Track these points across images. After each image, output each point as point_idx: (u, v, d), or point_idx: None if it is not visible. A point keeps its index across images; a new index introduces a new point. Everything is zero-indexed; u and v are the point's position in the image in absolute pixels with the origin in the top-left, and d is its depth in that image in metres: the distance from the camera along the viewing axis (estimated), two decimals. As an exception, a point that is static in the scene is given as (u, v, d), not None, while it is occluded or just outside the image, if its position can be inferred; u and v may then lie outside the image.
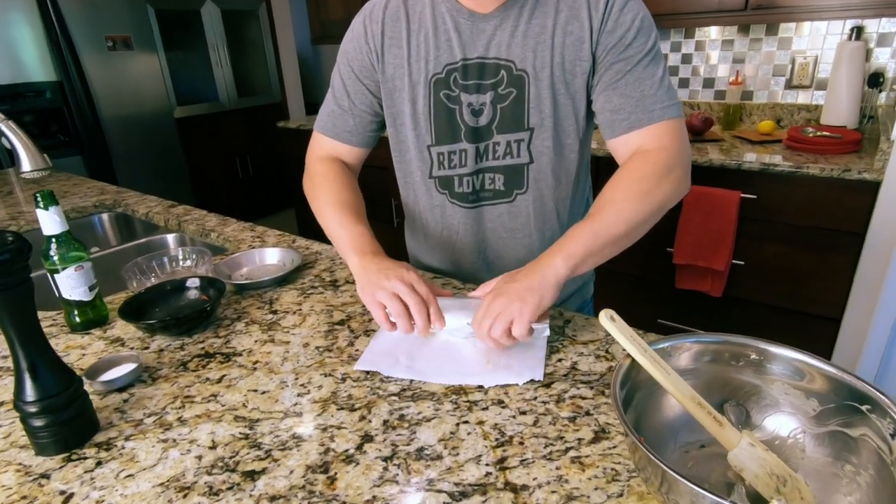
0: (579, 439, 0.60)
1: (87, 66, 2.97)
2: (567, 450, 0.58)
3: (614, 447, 0.59)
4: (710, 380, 0.60)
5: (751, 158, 1.78)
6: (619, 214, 0.76)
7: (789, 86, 2.17)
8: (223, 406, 0.69)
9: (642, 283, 2.14)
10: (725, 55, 2.28)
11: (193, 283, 0.92)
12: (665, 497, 0.46)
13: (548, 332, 0.76)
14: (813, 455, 0.54)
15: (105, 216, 1.63)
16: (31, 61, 2.82)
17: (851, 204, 1.64)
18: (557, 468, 0.56)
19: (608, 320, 0.57)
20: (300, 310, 0.92)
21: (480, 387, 0.69)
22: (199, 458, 0.60)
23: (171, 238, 1.39)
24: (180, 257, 1.04)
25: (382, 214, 2.88)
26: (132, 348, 0.83)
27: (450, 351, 0.77)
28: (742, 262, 1.87)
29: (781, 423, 0.57)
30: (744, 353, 0.58)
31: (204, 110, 3.61)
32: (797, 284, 1.81)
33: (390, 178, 1.06)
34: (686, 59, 2.37)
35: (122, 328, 0.89)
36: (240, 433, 0.64)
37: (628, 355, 0.56)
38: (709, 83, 2.36)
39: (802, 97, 2.16)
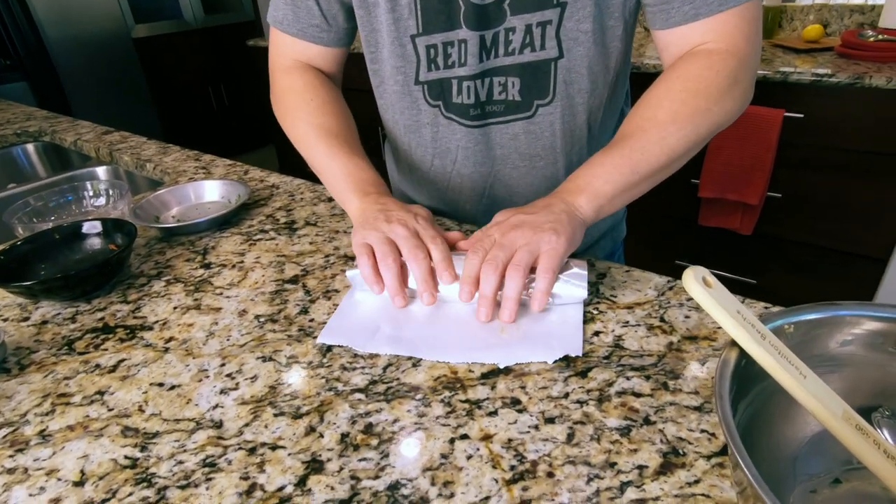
0: (640, 467, 0.39)
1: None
2: (623, 487, 0.37)
3: (696, 480, 0.37)
4: (852, 376, 0.38)
5: (798, 70, 1.50)
6: (664, 142, 0.55)
7: (839, -16, 1.85)
8: (110, 411, 0.47)
9: (659, 219, 1.90)
10: (765, -51, 1.93)
11: (93, 227, 0.68)
12: None
13: (585, 292, 0.53)
14: None
15: (31, 147, 1.36)
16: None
17: (920, 122, 1.38)
18: (612, 523, 0.35)
19: (698, 285, 0.34)
20: (241, 262, 0.69)
21: (490, 373, 0.47)
22: (56, 502, 0.39)
23: (101, 171, 1.13)
24: (89, 194, 0.79)
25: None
26: (5, 320, 0.61)
27: (450, 317, 0.55)
28: (778, 195, 1.63)
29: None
30: (915, 336, 0.36)
31: (166, 29, 3.21)
32: (843, 220, 1.58)
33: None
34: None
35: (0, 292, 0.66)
36: (126, 458, 0.42)
37: (734, 344, 0.34)
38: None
39: (854, -3, 1.84)
